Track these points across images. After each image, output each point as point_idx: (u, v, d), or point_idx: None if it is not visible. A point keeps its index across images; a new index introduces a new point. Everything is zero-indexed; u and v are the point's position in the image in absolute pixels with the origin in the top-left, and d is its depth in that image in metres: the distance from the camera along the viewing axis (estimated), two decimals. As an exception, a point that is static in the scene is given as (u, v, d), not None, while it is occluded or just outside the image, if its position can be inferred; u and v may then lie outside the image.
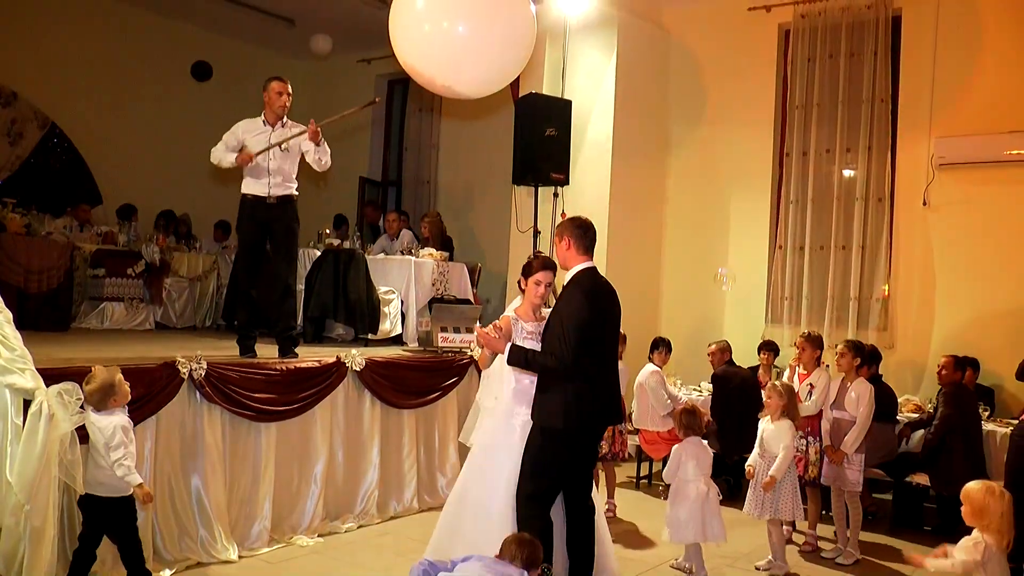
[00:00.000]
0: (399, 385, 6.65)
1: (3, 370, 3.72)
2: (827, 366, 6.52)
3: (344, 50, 12.06)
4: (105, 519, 4.18)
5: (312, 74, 12.92)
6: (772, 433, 5.61)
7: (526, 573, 3.56)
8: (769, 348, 7.96)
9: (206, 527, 5.25)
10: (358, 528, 6.18)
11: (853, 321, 8.35)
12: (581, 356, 4.22)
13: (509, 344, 4.48)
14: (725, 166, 9.25)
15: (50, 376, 4.25)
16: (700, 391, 8.16)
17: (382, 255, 8.83)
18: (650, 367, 7.67)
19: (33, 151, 9.84)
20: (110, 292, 8.23)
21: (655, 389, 7.48)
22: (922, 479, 6.72)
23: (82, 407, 3.84)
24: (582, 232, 4.59)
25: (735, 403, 7.41)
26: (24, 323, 7.44)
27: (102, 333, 7.89)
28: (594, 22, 8.90)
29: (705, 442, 5.66)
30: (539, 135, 8.56)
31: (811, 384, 6.24)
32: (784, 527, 5.94)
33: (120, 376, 4.24)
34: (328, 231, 9.49)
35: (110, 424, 4.07)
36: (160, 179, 10.78)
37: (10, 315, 3.85)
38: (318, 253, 8.25)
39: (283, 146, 6.29)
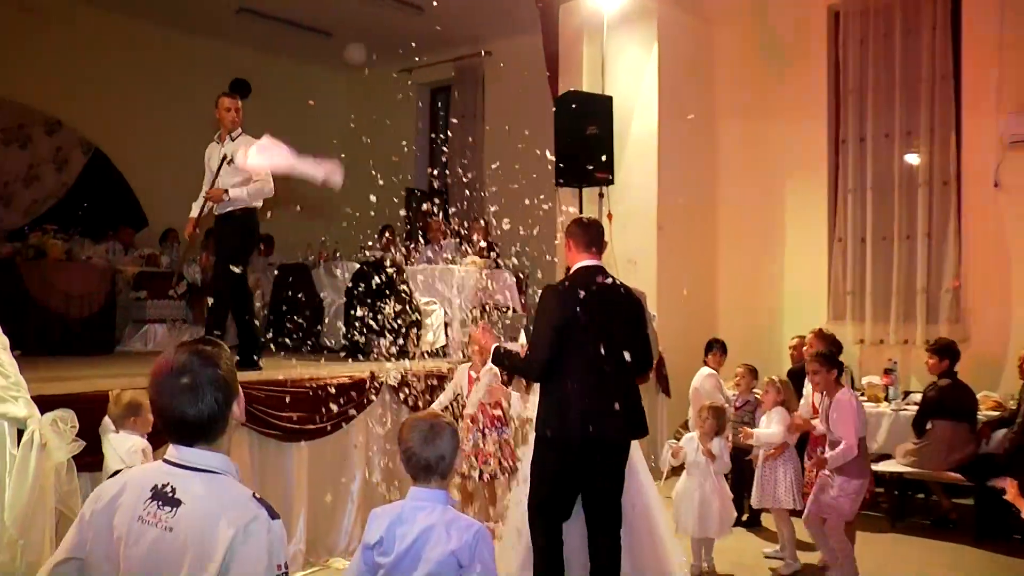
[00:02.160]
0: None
1: (-3, 399, 3.55)
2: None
3: (384, 61, 11.93)
4: None
5: (352, 87, 12.89)
6: (766, 423, 5.72)
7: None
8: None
9: (235, 552, 5.05)
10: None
11: (922, 315, 7.83)
12: (554, 358, 4.00)
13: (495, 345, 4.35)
14: (778, 158, 8.80)
15: (82, 401, 4.19)
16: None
17: (424, 265, 8.62)
18: (705, 370, 7.30)
19: (79, 177, 9.90)
20: (153, 314, 8.20)
21: (711, 393, 7.09)
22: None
23: (79, 435, 3.66)
24: (582, 230, 4.31)
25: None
26: (68, 348, 7.54)
27: (146, 355, 7.82)
28: (632, 15, 8.56)
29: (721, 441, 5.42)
30: (580, 134, 8.27)
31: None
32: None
33: (148, 402, 4.07)
34: (370, 244, 9.33)
35: (130, 446, 3.92)
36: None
37: (7, 342, 3.69)
38: (357, 266, 8.07)
39: (229, 162, 6.12)
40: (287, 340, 8.62)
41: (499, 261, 9.28)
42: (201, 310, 8.56)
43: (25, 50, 9.48)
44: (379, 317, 7.70)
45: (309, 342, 8.37)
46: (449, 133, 12.00)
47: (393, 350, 7.76)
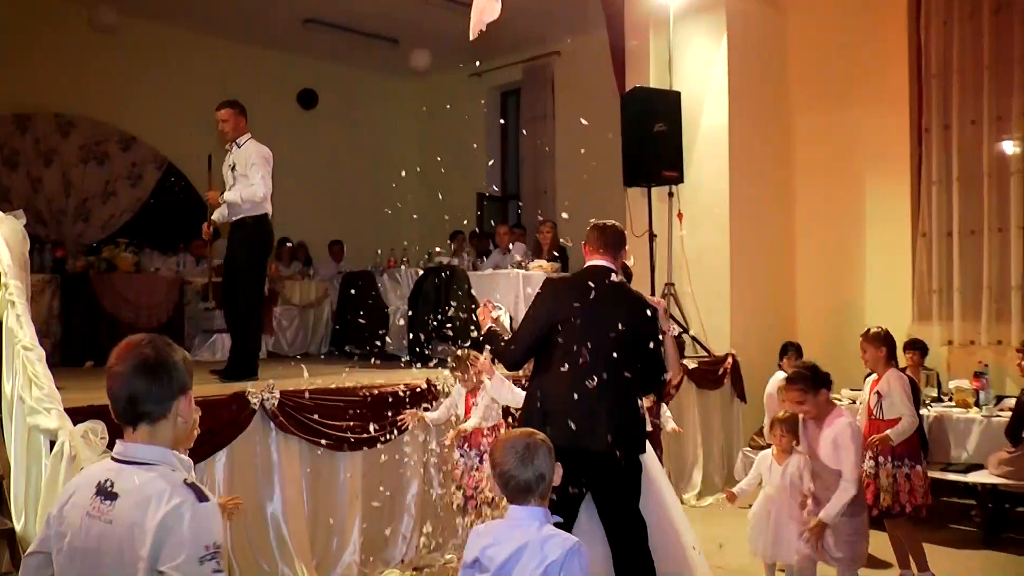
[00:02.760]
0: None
1: (30, 410, 3.55)
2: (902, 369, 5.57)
3: (453, 66, 11.89)
4: None
5: (423, 92, 12.87)
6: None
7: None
8: (915, 347, 7.04)
9: (286, 562, 4.98)
10: (459, 560, 5.79)
11: (1017, 313, 7.30)
12: (534, 353, 3.91)
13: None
14: (857, 149, 8.35)
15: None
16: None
17: (490, 270, 8.49)
18: (780, 375, 6.94)
19: (152, 191, 10.09)
20: (220, 324, 8.21)
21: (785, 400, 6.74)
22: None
23: (110, 445, 3.62)
24: (597, 232, 4.10)
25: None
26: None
27: (214, 365, 7.87)
28: (700, 6, 8.27)
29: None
30: (647, 132, 8.03)
31: (878, 392, 5.20)
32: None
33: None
34: (439, 249, 9.24)
35: None
36: (276, 208, 10.79)
37: (43, 353, 3.68)
38: (420, 272, 7.99)
39: (232, 168, 6.27)
40: (353, 348, 8.62)
41: (567, 265, 9.10)
42: (269, 318, 8.60)
43: (101, 69, 9.74)
44: (441, 323, 7.60)
45: (374, 349, 8.33)
46: (524, 133, 11.87)
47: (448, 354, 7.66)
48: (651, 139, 8.01)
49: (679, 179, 8.19)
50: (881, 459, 5.04)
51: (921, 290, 7.90)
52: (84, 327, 7.58)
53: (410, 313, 7.77)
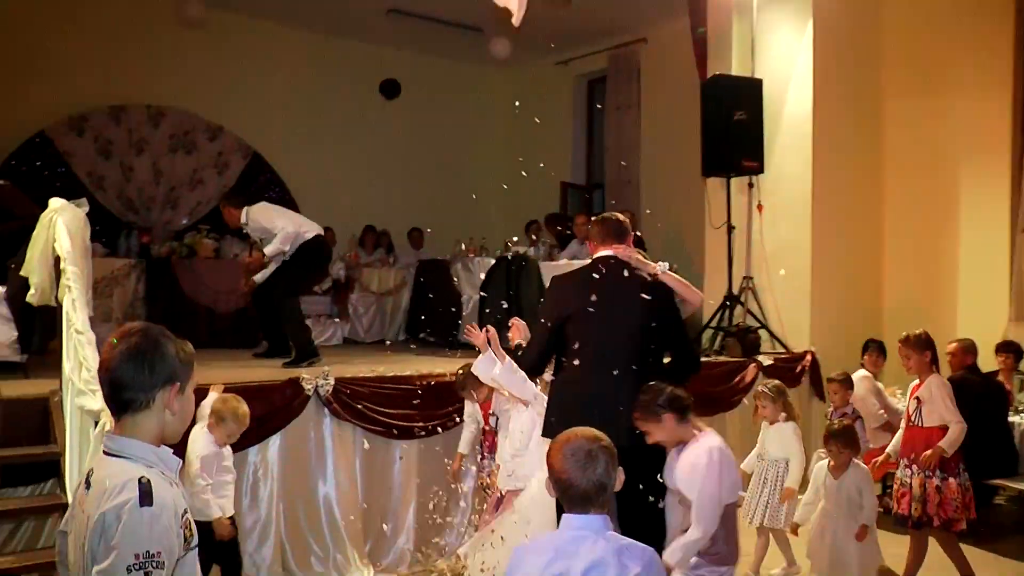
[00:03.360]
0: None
1: (78, 392, 3.65)
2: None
3: (540, 55, 11.81)
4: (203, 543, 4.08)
5: (509, 81, 12.81)
6: (773, 436, 5.11)
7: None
8: (1009, 350, 6.65)
9: (338, 546, 5.04)
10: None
11: (1124, 314, 6.82)
12: (550, 352, 3.81)
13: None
14: (952, 140, 7.89)
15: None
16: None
17: (564, 260, 8.39)
18: (860, 372, 6.67)
19: (238, 180, 10.32)
20: (298, 310, 8.38)
21: (864, 397, 6.46)
22: None
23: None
24: (597, 226, 4.02)
25: (974, 416, 6.19)
26: (215, 342, 7.86)
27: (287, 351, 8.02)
28: (785, -10, 7.97)
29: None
30: (728, 120, 7.77)
31: (918, 398, 4.94)
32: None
33: (238, 412, 4.16)
34: (515, 239, 9.20)
35: (193, 449, 4.01)
36: (359, 197, 11.02)
37: (93, 336, 3.77)
38: (492, 262, 7.96)
39: (257, 241, 7.02)
40: (428, 336, 8.67)
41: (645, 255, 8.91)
42: (344, 305, 8.72)
43: (189, 62, 10.03)
44: (511, 313, 7.56)
45: (448, 338, 8.36)
46: (608, 122, 11.69)
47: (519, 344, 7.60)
48: (731, 128, 7.75)
49: (759, 169, 7.91)
50: (915, 468, 4.80)
51: (1020, 289, 7.41)
52: (166, 310, 7.82)
53: (481, 302, 7.76)
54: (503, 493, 4.24)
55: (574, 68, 12.09)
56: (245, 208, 6.85)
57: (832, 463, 4.51)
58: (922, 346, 4.90)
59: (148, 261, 8.00)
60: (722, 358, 7.33)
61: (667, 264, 3.94)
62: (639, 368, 3.64)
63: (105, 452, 2.03)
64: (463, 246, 9.33)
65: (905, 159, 8.23)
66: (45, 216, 4.31)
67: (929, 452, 4.71)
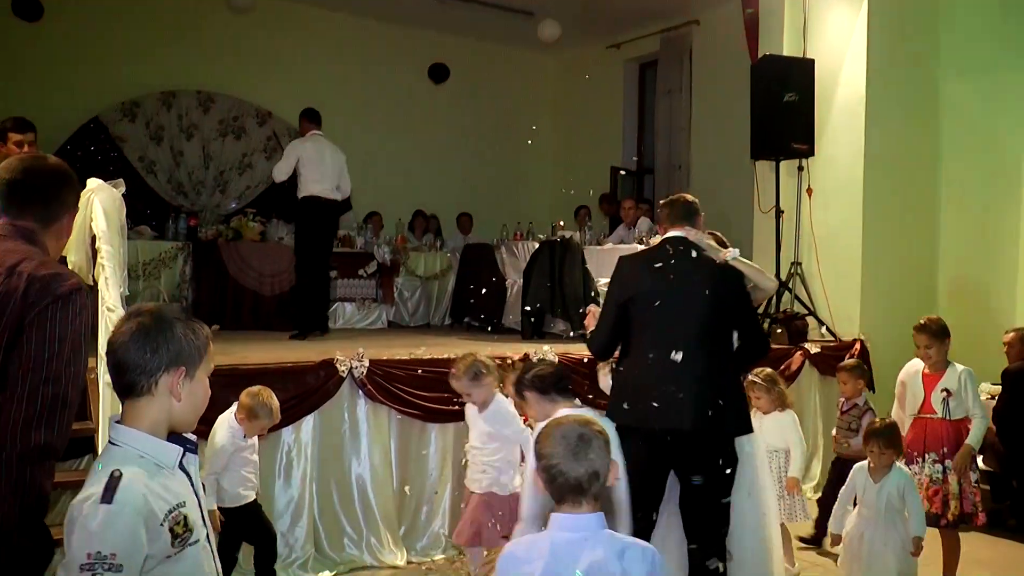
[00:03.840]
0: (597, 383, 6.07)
1: (106, 369, 3.68)
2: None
3: (591, 38, 11.68)
4: (231, 527, 4.14)
5: (559, 66, 12.73)
6: (771, 426, 4.79)
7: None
8: (1070, 338, 6.38)
9: (371, 529, 5.04)
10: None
11: None
12: (618, 336, 3.70)
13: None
14: (1013, 121, 7.60)
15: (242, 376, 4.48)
16: (979, 393, 6.75)
17: (610, 245, 8.30)
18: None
19: (287, 164, 10.34)
20: (342, 293, 8.44)
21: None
22: None
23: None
24: (666, 208, 3.88)
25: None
26: (260, 324, 7.95)
27: (334, 332, 8.06)
28: (838, -33, 7.73)
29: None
30: (777, 102, 7.60)
31: (946, 390, 4.70)
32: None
33: (271, 407, 4.18)
34: (562, 223, 9.13)
35: (211, 438, 4.09)
36: (406, 181, 11.04)
37: (121, 314, 3.80)
38: (536, 246, 7.90)
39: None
40: (472, 320, 8.66)
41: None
42: (390, 289, 8.75)
43: (239, 47, 10.15)
44: (555, 297, 7.50)
45: (492, 322, 8.34)
46: (659, 105, 11.50)
47: (561, 328, 7.55)
48: (781, 110, 7.57)
49: (809, 152, 7.71)
50: (947, 464, 4.58)
51: (1082, 276, 7.14)
52: (212, 292, 7.93)
53: (523, 286, 7.71)
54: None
55: (625, 52, 11.94)
56: (314, 131, 7.66)
57: (872, 464, 4.15)
58: (944, 334, 4.72)
59: (195, 244, 8.10)
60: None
61: (737, 251, 3.85)
62: (705, 351, 3.53)
63: (109, 440, 1.94)
64: (512, 231, 9.30)
65: (963, 141, 7.94)
66: (83, 196, 4.35)
67: (962, 451, 4.54)
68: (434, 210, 10.80)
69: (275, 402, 4.19)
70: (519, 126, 12.19)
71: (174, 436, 1.97)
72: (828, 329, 7.57)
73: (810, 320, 7.56)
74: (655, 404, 3.47)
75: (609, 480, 2.19)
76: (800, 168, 7.86)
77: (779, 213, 7.81)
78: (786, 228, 7.86)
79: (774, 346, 7.04)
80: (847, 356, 7.31)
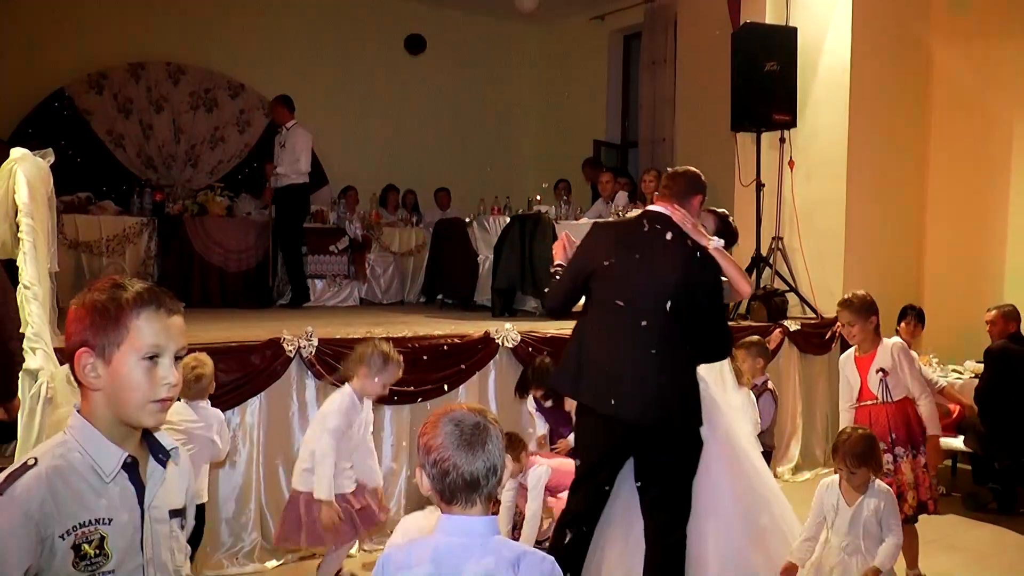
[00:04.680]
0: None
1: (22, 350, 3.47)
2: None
3: (574, 9, 11.40)
4: None
5: (542, 38, 12.46)
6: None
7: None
8: (1056, 316, 6.16)
9: (321, 517, 4.83)
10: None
11: None
12: (573, 300, 3.52)
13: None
14: (1004, 92, 7.32)
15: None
16: (962, 372, 6.56)
17: (585, 219, 8.06)
18: (894, 340, 6.23)
19: (260, 138, 10.12)
20: (312, 269, 8.24)
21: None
22: None
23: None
24: (667, 179, 3.61)
25: (1013, 390, 5.76)
26: (226, 301, 7.75)
27: (304, 310, 7.85)
28: (823, -72, 7.44)
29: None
30: (758, 72, 7.35)
31: (881, 369, 4.27)
32: None
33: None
34: (539, 197, 8.88)
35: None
36: (383, 155, 10.79)
37: (40, 292, 3.58)
38: (507, 220, 7.68)
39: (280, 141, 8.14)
40: (445, 297, 8.45)
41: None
42: (362, 265, 8.53)
43: (210, 18, 9.91)
44: (525, 273, 7.29)
45: (464, 299, 8.12)
46: (643, 77, 11.23)
47: (533, 306, 7.34)
48: (761, 79, 7.33)
49: (792, 123, 7.45)
50: (901, 451, 4.18)
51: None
52: (178, 269, 7.71)
53: (493, 262, 7.49)
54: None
55: (609, 23, 11.68)
56: (295, 121, 8.16)
57: (845, 484, 3.42)
58: (868, 310, 4.27)
59: (160, 219, 7.87)
60: (746, 322, 6.97)
61: (722, 241, 3.55)
62: (673, 337, 3.28)
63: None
64: (487, 206, 9.06)
65: (952, 112, 7.68)
66: (5, 167, 4.13)
67: (931, 445, 4.23)
68: (412, 185, 10.55)
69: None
70: (499, 99, 11.95)
71: (152, 439, 1.72)
72: (809, 306, 7.35)
73: (790, 297, 7.35)
74: (611, 390, 3.26)
75: (504, 478, 1.97)
76: (782, 140, 7.61)
77: (760, 186, 7.58)
78: (767, 202, 7.63)
79: (753, 324, 6.88)
80: (828, 334, 7.13)
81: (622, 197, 8.68)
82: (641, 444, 3.31)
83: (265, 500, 4.73)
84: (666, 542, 3.29)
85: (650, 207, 3.52)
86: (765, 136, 7.61)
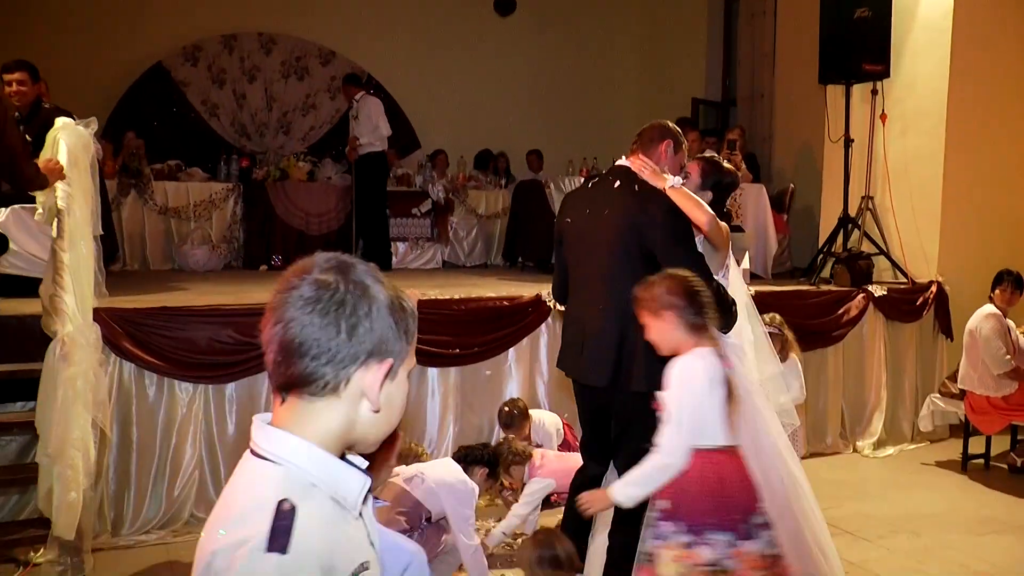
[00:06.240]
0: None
1: (45, 311, 3.63)
2: None
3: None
4: None
5: (643, -5, 12.08)
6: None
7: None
8: None
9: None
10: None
11: None
12: (560, 278, 3.42)
13: None
14: None
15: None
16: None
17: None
18: (987, 308, 5.81)
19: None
20: (395, 232, 8.30)
21: (989, 339, 5.63)
22: None
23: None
24: (639, 132, 3.38)
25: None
26: (307, 265, 7.91)
27: (385, 273, 7.92)
28: None
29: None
30: (848, 18, 6.92)
31: None
32: None
33: None
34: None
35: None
36: (473, 118, 10.71)
37: (70, 257, 3.70)
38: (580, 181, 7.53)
39: (353, 114, 8.13)
40: (525, 260, 8.38)
41: (759, 174, 8.26)
42: (444, 228, 8.55)
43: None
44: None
45: (538, 262, 8.03)
46: (743, 31, 10.75)
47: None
48: (851, 27, 6.90)
49: (884, 73, 6.98)
50: None
51: None
52: (260, 233, 7.93)
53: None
54: None
55: (711, -24, 11.21)
56: (363, 92, 8.19)
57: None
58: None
59: (245, 185, 8.11)
60: (827, 287, 6.61)
61: (679, 180, 3.34)
62: (616, 295, 3.06)
63: (251, 450, 1.32)
64: (576, 167, 8.91)
65: (1067, 58, 7.02)
66: (50, 136, 4.31)
67: None
68: (503, 148, 10.46)
69: None
70: (593, 58, 11.66)
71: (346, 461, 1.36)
72: (900, 269, 6.91)
73: (882, 260, 6.92)
74: (575, 353, 3.23)
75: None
76: (874, 92, 7.14)
77: (848, 142, 7.15)
78: (857, 159, 7.19)
79: (835, 288, 6.51)
80: (919, 300, 6.69)
81: (705, 155, 8.37)
82: (606, 409, 3.20)
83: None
84: (611, 543, 3.12)
85: (617, 162, 3.35)
86: (856, 88, 7.16)
